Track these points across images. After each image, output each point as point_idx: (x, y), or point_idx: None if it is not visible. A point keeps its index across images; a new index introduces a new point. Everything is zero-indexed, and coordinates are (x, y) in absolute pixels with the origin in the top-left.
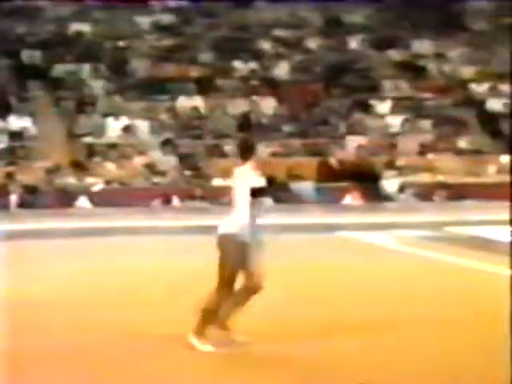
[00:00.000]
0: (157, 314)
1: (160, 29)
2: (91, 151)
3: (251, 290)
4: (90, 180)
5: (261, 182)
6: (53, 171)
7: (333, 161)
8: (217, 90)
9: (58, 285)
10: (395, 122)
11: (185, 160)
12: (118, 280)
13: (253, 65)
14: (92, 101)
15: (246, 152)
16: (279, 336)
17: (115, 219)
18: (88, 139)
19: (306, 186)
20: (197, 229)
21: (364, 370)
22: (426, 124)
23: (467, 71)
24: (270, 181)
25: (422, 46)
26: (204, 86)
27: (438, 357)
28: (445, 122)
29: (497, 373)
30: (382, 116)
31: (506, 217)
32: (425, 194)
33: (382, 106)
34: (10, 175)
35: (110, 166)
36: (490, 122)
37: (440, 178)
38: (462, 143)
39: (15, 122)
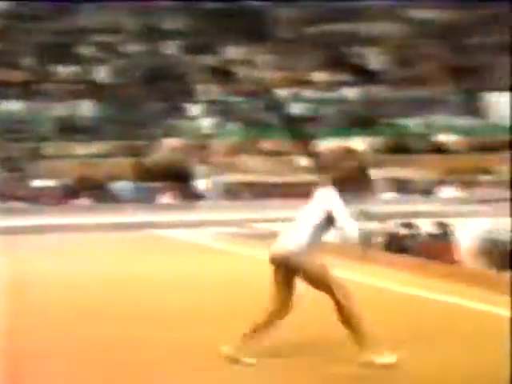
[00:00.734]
0: None
1: None
2: None
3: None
4: None
5: None
6: None
7: (148, 161)
8: (38, 94)
9: None
10: (207, 124)
11: (6, 162)
12: None
13: (74, 69)
14: None
15: None
16: None
17: None
18: None
19: (123, 186)
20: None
21: None
22: (235, 126)
23: (273, 77)
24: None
25: (233, 52)
26: (26, 91)
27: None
28: (252, 124)
29: None
30: (195, 119)
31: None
32: (234, 192)
33: (195, 109)
34: None
35: None
36: (292, 125)
37: (247, 177)
38: (267, 145)
39: None
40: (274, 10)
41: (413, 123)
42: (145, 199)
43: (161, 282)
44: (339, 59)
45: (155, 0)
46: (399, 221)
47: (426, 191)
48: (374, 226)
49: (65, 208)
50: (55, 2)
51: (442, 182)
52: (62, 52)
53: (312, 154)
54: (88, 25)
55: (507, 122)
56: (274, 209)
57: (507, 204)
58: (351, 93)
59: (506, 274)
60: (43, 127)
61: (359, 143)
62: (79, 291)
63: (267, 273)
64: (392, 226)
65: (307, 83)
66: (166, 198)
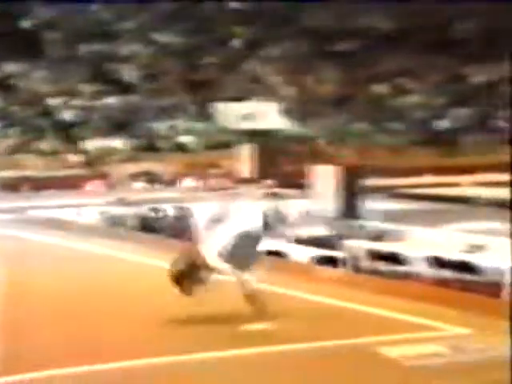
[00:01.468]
0: None
1: None
2: None
3: None
4: None
5: None
6: None
7: None
8: None
9: None
10: None
11: None
12: None
13: None
14: None
15: None
16: None
17: None
18: None
19: None
20: None
21: None
22: (15, 130)
23: (47, 88)
24: None
25: (13, 67)
26: None
27: None
28: (30, 129)
29: None
30: None
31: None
32: (12, 185)
33: None
34: None
35: None
36: (63, 129)
37: (26, 173)
38: (43, 145)
39: None
40: (46, 31)
41: (161, 126)
42: None
43: None
44: (102, 73)
45: None
46: (150, 206)
47: (171, 182)
48: (129, 210)
49: None
50: None
51: (183, 175)
52: None
53: (81, 152)
54: None
55: (232, 126)
56: (48, 198)
57: (231, 192)
58: (112, 101)
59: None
60: None
61: (119, 143)
62: None
63: None
64: (144, 210)
65: (76, 93)
66: None
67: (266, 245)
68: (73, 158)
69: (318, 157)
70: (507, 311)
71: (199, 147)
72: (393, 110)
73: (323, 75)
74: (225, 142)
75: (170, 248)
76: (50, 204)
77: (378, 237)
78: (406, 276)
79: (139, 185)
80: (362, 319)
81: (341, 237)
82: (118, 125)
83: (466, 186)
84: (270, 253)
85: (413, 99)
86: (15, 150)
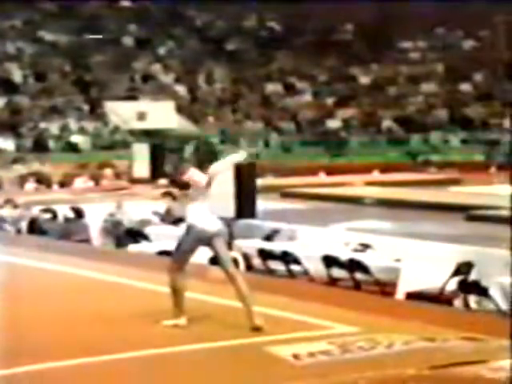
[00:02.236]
0: None
1: None
2: None
3: None
4: None
5: None
6: None
7: None
8: None
9: None
10: None
11: None
12: None
13: None
14: None
15: None
16: None
17: None
18: None
19: None
20: None
21: None
22: None
23: None
24: None
25: None
26: None
27: None
28: None
29: None
30: None
31: None
32: None
33: None
34: None
35: None
36: None
37: None
38: None
39: None
40: None
41: (51, 126)
42: None
43: None
44: None
45: None
46: (40, 207)
47: (62, 182)
48: (18, 212)
49: None
50: None
51: (74, 175)
52: None
53: None
54: None
55: (123, 126)
56: None
57: (126, 192)
58: None
59: (125, 250)
60: None
61: (8, 143)
62: None
63: None
64: (34, 212)
65: None
66: None
67: (159, 245)
68: None
69: None
70: (395, 310)
71: (91, 147)
72: (284, 110)
73: (215, 74)
74: (118, 141)
75: (61, 251)
76: None
77: (270, 236)
78: (298, 275)
79: (30, 186)
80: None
81: (232, 236)
82: (5, 125)
83: (355, 185)
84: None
85: (303, 99)
86: None
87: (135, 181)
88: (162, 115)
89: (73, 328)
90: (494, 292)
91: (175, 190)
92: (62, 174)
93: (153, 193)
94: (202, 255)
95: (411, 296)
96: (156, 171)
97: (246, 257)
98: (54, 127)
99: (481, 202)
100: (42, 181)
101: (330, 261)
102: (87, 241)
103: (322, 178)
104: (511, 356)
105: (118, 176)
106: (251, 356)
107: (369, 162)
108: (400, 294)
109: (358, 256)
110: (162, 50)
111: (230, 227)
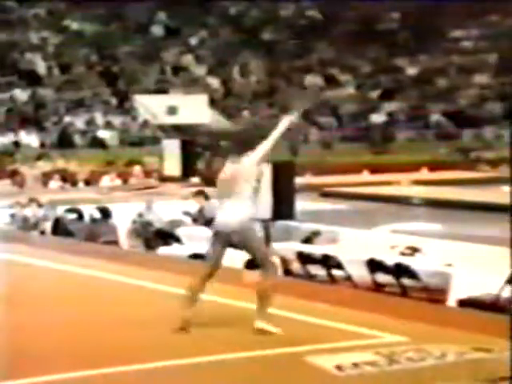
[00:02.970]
0: None
1: None
2: None
3: None
4: None
5: None
6: None
7: None
8: None
9: None
10: None
11: None
12: None
13: None
14: None
15: None
16: None
17: None
18: None
19: None
20: None
21: None
22: None
23: None
24: None
25: None
26: None
27: None
28: None
29: None
30: None
31: None
32: None
33: None
34: None
35: None
36: None
37: None
38: None
39: None
40: None
41: (77, 121)
42: None
43: None
44: (9, 64)
45: None
46: (65, 207)
47: (88, 180)
48: (42, 212)
49: None
50: None
51: (101, 173)
52: None
53: None
54: None
55: (152, 120)
56: None
57: (156, 191)
58: (20, 94)
59: (155, 253)
60: None
61: (32, 139)
62: None
63: None
64: (59, 212)
65: None
66: None
67: (191, 247)
68: None
69: None
70: (446, 318)
71: (119, 143)
72: (324, 104)
73: (250, 66)
74: (147, 137)
75: (87, 253)
76: None
77: (310, 239)
78: (339, 280)
79: (54, 184)
80: (293, 327)
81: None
82: (28, 119)
83: (401, 184)
84: (196, 256)
85: (345, 92)
86: None
87: (165, 179)
88: (194, 109)
89: (98, 334)
90: None
91: (208, 189)
92: (87, 171)
93: (184, 192)
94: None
95: (463, 303)
96: (187, 169)
97: (284, 261)
98: (79, 122)
99: None
100: (67, 179)
101: (374, 265)
102: (115, 243)
103: (366, 176)
104: None
105: (147, 174)
106: (290, 367)
107: (416, 159)
108: (451, 302)
109: (406, 260)
110: (193, 40)
111: (267, 229)
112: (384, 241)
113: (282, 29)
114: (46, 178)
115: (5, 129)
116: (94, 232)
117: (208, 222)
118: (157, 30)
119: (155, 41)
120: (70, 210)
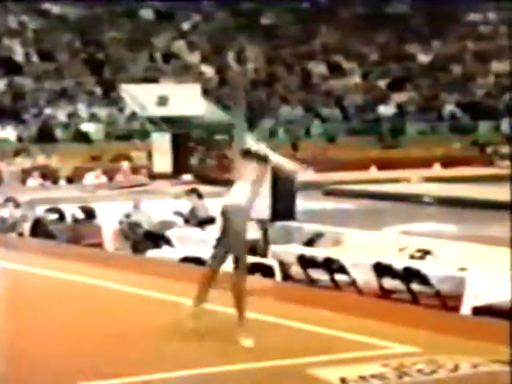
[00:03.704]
0: None
1: None
2: None
3: None
4: None
5: None
6: None
7: None
8: None
9: None
10: None
11: None
12: None
13: None
14: None
15: None
16: None
17: None
18: None
19: None
20: None
21: None
22: None
23: None
24: None
25: None
26: None
27: None
28: None
29: None
30: None
31: None
32: None
33: None
34: None
35: None
36: None
37: None
38: None
39: None
40: None
41: (59, 113)
42: None
43: None
44: None
45: None
46: (45, 206)
47: (71, 178)
48: (20, 212)
49: None
50: None
51: (86, 169)
52: None
53: None
54: None
55: (141, 112)
56: None
57: (145, 189)
58: None
59: (143, 257)
60: None
61: (9, 132)
62: None
63: None
64: (38, 212)
65: None
66: None
67: (183, 250)
68: None
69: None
70: (460, 327)
71: (105, 137)
72: (328, 94)
73: (248, 52)
74: (135, 130)
75: (69, 256)
76: None
77: (311, 241)
78: (343, 286)
79: (34, 182)
80: (293, 337)
81: (268, 241)
82: (5, 111)
83: (412, 181)
84: (188, 259)
85: (351, 81)
86: None
87: (155, 176)
88: (186, 100)
89: (75, 347)
90: None
91: (201, 187)
92: (70, 167)
93: (175, 190)
94: None
95: (479, 311)
96: (179, 165)
97: (284, 264)
98: (61, 114)
99: None
100: (48, 176)
101: (381, 269)
102: (99, 245)
103: (373, 172)
104: None
105: (135, 170)
106: (293, 379)
107: (428, 154)
108: (465, 309)
109: (416, 264)
110: (186, 25)
111: (266, 231)
112: (392, 243)
113: (283, 12)
114: (24, 175)
115: None
116: (77, 233)
117: (201, 223)
118: (146, 14)
119: (144, 25)
120: (50, 210)
